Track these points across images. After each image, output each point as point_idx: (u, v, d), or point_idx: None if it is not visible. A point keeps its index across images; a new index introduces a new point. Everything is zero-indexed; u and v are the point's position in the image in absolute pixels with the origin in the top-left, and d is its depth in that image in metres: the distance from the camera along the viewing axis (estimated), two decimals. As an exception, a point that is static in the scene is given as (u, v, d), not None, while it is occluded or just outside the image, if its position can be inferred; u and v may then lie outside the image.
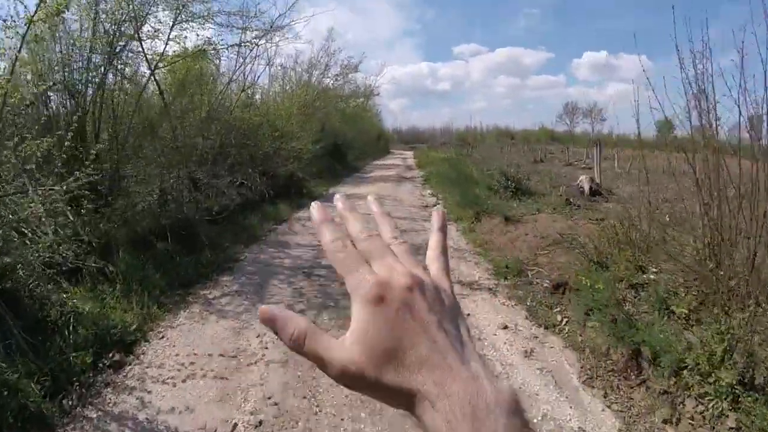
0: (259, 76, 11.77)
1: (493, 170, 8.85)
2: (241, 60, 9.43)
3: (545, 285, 4.40)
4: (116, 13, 5.24)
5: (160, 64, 7.24)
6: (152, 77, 6.90)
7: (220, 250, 5.14)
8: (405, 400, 0.27)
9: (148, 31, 6.19)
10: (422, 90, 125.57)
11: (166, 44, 7.06)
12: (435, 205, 9.43)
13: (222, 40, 7.14)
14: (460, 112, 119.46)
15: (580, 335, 3.45)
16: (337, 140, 16.13)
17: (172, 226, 5.31)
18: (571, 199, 7.65)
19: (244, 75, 10.36)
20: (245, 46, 7.42)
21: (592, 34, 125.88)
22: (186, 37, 7.18)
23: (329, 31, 15.14)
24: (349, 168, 16.88)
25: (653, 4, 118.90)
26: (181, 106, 8.75)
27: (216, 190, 7.70)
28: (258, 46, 8.66)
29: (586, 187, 8.36)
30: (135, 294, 3.68)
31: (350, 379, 0.28)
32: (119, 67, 5.82)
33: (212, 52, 7.23)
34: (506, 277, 4.72)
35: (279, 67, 11.62)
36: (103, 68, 5.24)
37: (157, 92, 7.26)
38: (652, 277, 3.68)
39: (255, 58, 9.76)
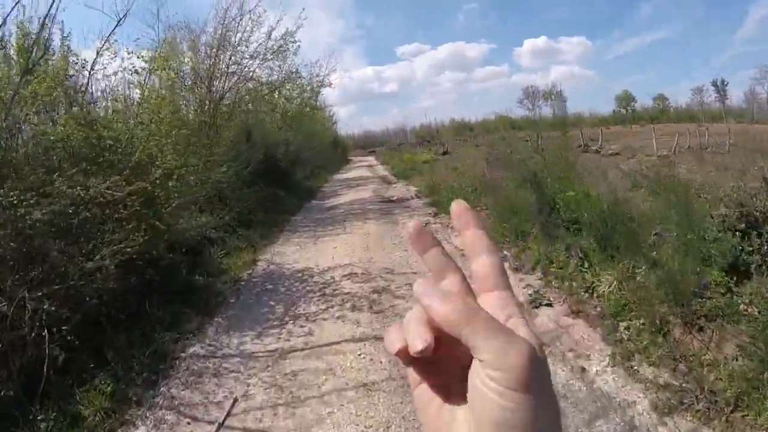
0: (102, 48, 5.92)
1: (718, 216, 3.31)
2: None
3: None
4: None
5: None
6: None
7: None
8: None
9: None
10: (370, 94, 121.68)
11: None
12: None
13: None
14: (410, 112, 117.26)
15: None
16: (274, 154, 10.37)
17: None
18: None
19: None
20: None
21: (531, 22, 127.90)
22: None
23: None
24: (299, 193, 11.13)
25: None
26: None
27: None
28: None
29: None
30: None
31: None
32: None
33: None
34: None
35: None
36: None
37: None
38: None
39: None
